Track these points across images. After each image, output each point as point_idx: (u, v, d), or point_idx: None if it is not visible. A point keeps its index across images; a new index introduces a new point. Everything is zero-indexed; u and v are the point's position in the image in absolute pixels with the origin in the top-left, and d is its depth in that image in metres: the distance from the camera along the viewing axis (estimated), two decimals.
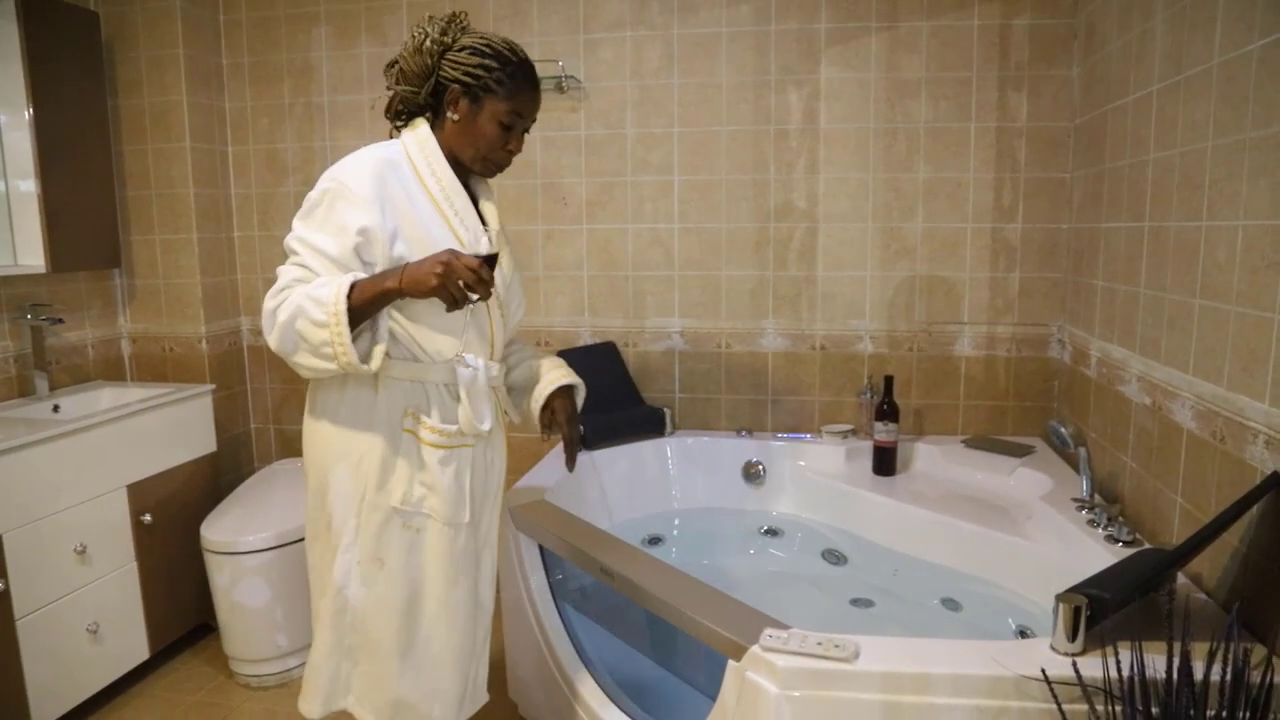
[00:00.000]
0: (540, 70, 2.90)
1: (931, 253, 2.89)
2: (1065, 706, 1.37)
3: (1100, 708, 1.36)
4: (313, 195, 1.58)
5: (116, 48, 3.04)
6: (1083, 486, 2.27)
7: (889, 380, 2.76)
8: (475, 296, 1.50)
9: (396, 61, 1.69)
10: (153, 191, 3.09)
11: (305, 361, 1.54)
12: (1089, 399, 2.52)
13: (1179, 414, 1.89)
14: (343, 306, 1.47)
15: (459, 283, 1.47)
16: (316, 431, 1.69)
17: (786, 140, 2.91)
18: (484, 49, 1.63)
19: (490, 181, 1.82)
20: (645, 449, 2.94)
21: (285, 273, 1.56)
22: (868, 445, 2.82)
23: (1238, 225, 1.66)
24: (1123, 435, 2.23)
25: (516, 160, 3.05)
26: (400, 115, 1.73)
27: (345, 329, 1.48)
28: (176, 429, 2.81)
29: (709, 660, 1.67)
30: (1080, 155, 2.69)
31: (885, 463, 2.76)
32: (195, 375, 3.18)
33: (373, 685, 1.71)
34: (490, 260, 1.53)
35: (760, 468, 2.92)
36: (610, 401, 2.98)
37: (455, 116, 1.65)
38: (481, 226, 1.71)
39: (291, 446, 3.42)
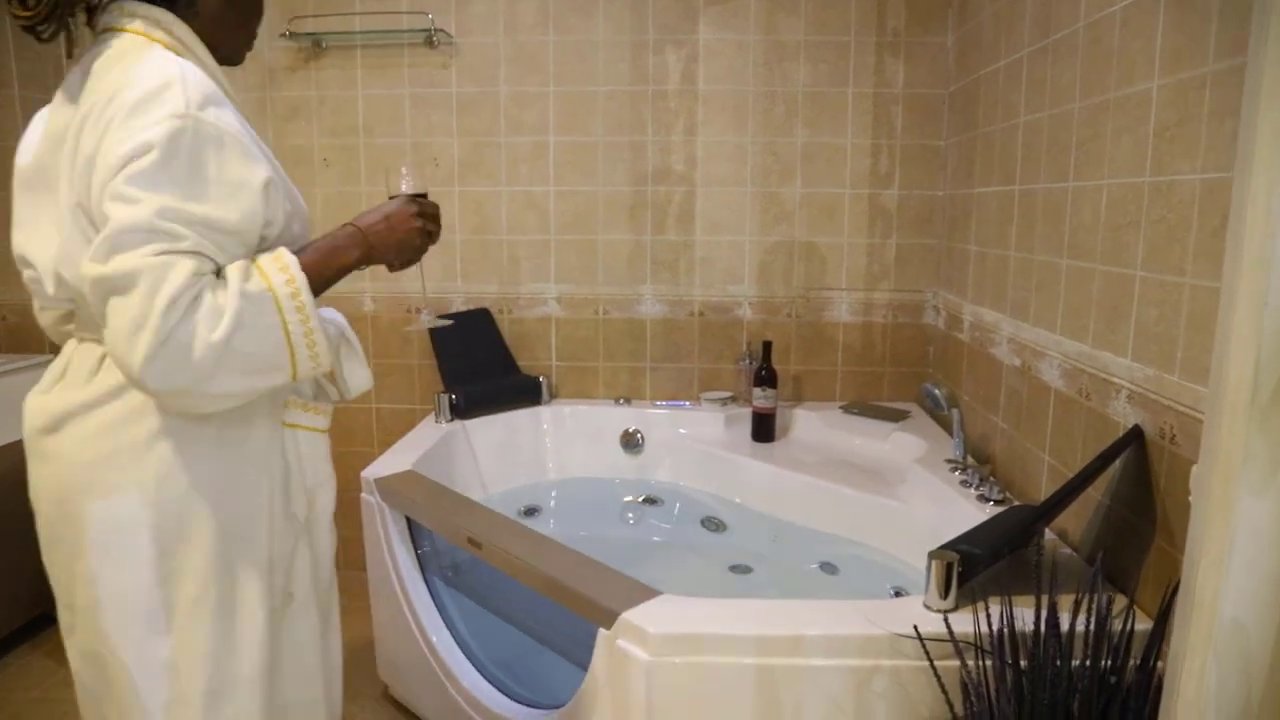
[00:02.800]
0: (409, 23, 2.82)
1: (809, 218, 2.88)
2: (938, 663, 1.36)
3: (971, 662, 1.35)
4: (149, 143, 1.04)
5: None
6: (955, 448, 2.30)
7: (767, 346, 2.74)
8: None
9: None
10: None
11: (232, 387, 1.08)
12: (962, 363, 2.55)
13: (1047, 373, 1.92)
14: (309, 297, 1.13)
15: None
16: (169, 473, 1.17)
17: (665, 101, 2.85)
18: None
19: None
20: (520, 418, 2.84)
21: (170, 269, 1.02)
22: (747, 412, 2.79)
23: (1102, 184, 1.68)
24: (994, 397, 2.26)
25: (383, 118, 2.94)
26: (73, 7, 1.17)
27: (319, 323, 1.13)
28: (11, 403, 2.56)
29: (581, 630, 1.61)
30: (954, 121, 2.71)
31: (764, 429, 2.75)
32: (34, 346, 2.92)
33: None
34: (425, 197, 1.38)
35: (639, 436, 2.87)
36: (484, 370, 2.88)
37: None
38: None
39: None
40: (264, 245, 1.17)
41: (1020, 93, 2.11)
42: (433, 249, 1.37)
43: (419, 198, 1.32)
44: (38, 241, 1.19)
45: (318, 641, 1.34)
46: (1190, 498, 0.93)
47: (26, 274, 1.23)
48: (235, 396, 1.11)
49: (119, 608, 1.18)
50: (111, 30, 1.17)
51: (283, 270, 1.11)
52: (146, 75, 1.08)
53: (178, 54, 1.15)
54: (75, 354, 1.22)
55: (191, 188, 1.06)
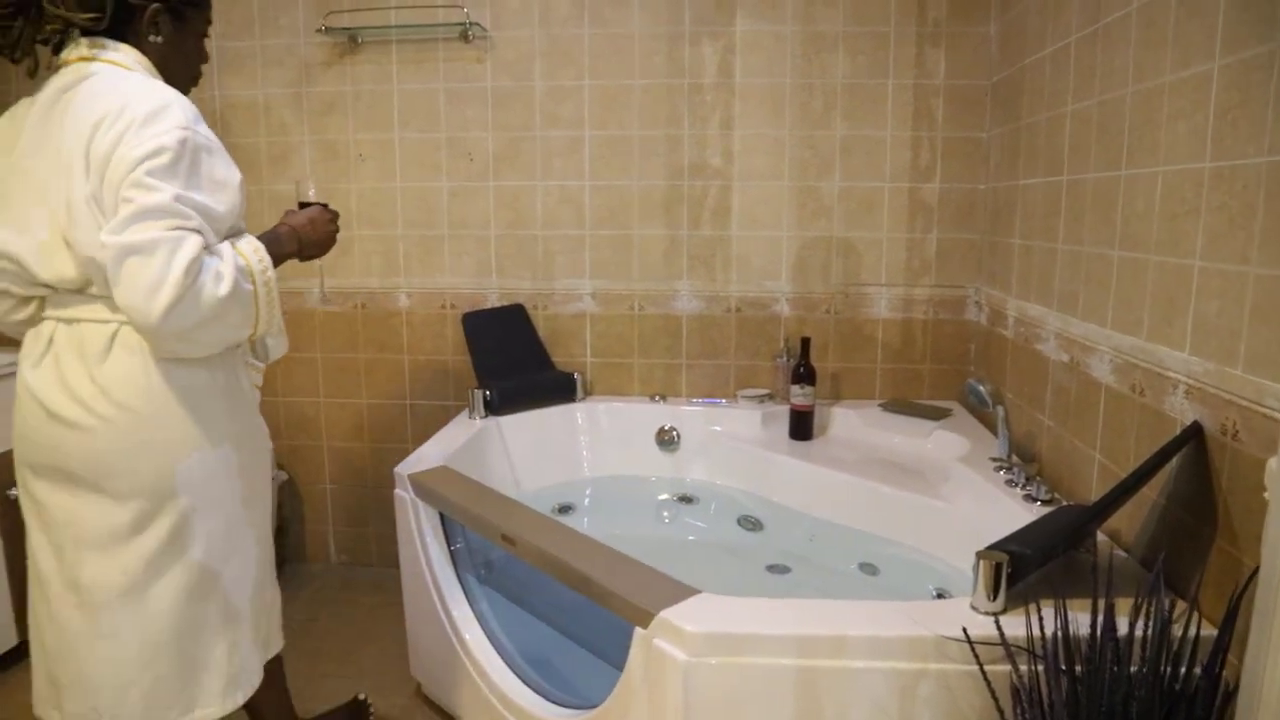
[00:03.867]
0: (444, 17, 2.81)
1: (848, 213, 2.82)
2: (986, 667, 1.31)
3: (1023, 667, 1.30)
4: (164, 147, 1.33)
5: None
6: (1000, 446, 2.24)
7: (805, 343, 2.69)
8: None
9: None
10: None
11: (217, 335, 1.44)
12: (1006, 360, 2.49)
13: (1097, 369, 1.86)
14: (273, 275, 1.49)
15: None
16: (160, 420, 1.46)
17: (701, 95, 2.81)
18: None
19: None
20: (554, 415, 2.82)
21: (184, 240, 1.32)
22: (784, 410, 2.75)
23: (1157, 172, 1.62)
24: (1040, 394, 2.20)
25: (418, 113, 2.92)
26: (32, 43, 1.45)
27: (277, 295, 1.51)
28: None
29: (616, 629, 1.57)
30: (997, 113, 2.65)
31: (802, 427, 2.70)
32: None
33: (262, 634, 1.69)
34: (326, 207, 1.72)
35: (674, 433, 2.83)
36: (519, 366, 2.86)
37: (158, 39, 1.50)
38: None
39: None
40: (232, 232, 1.48)
41: (1068, 80, 2.05)
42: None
43: (325, 206, 1.68)
44: (24, 235, 1.41)
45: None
46: (1266, 493, 0.88)
47: (3, 266, 1.44)
48: (215, 345, 1.46)
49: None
50: (85, 59, 1.43)
51: (256, 252, 1.46)
52: (150, 95, 1.37)
53: (156, 78, 1.47)
54: (67, 335, 1.45)
55: (192, 182, 1.36)
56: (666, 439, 2.83)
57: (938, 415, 2.68)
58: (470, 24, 2.80)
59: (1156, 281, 1.61)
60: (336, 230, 1.68)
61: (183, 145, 1.35)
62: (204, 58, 1.62)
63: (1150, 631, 1.25)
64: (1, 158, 1.44)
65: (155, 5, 1.47)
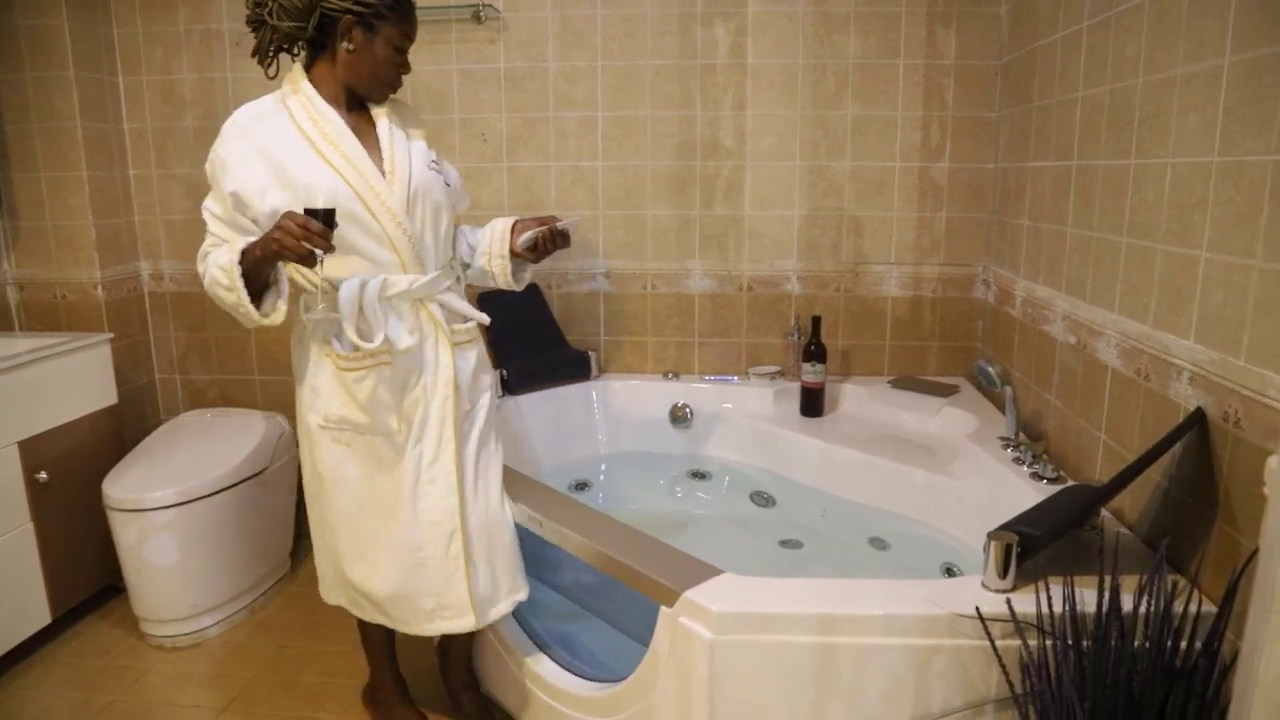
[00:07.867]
0: None
1: (859, 192, 2.86)
2: (997, 642, 1.38)
3: (1033, 643, 1.37)
4: (206, 167, 1.73)
5: None
6: (1008, 425, 2.29)
7: (816, 321, 2.74)
8: (319, 251, 1.55)
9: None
10: (34, 125, 2.86)
11: (229, 310, 1.71)
12: (1013, 339, 2.54)
13: (1104, 352, 1.91)
14: (237, 273, 1.63)
15: (298, 241, 1.54)
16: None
17: (713, 75, 2.83)
18: None
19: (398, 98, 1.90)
20: (570, 393, 2.88)
21: (206, 240, 1.74)
22: (795, 387, 2.80)
23: (1166, 163, 1.66)
24: (1047, 374, 2.26)
25: (431, 95, 2.95)
26: (271, 53, 1.77)
27: (245, 294, 1.64)
28: (72, 381, 2.64)
29: (641, 607, 1.64)
30: (1008, 93, 2.68)
31: (813, 404, 2.75)
32: (91, 324, 2.97)
33: (343, 575, 1.91)
34: (322, 214, 1.56)
35: (687, 410, 2.89)
36: (534, 345, 2.91)
37: (350, 46, 1.70)
38: (368, 159, 1.73)
39: (200, 397, 3.26)
40: (259, 223, 1.69)
41: (1079, 66, 2.08)
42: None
43: (316, 212, 1.56)
44: None
45: (341, 517, 1.87)
46: (1266, 490, 0.94)
47: None
48: (238, 319, 1.72)
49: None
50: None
51: (230, 252, 1.65)
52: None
53: (287, 103, 1.73)
54: None
55: (212, 193, 1.74)
56: (680, 416, 2.89)
57: (946, 392, 2.73)
58: (483, 5, 2.82)
59: (1164, 270, 1.66)
60: (277, 237, 1.56)
61: (211, 165, 1.72)
62: (402, 68, 1.78)
63: (1153, 609, 1.32)
64: None
65: (348, 17, 1.66)
